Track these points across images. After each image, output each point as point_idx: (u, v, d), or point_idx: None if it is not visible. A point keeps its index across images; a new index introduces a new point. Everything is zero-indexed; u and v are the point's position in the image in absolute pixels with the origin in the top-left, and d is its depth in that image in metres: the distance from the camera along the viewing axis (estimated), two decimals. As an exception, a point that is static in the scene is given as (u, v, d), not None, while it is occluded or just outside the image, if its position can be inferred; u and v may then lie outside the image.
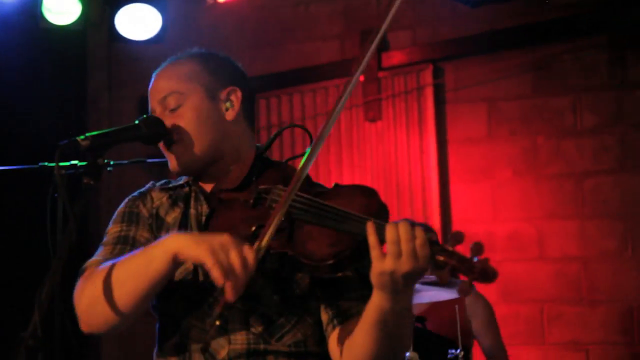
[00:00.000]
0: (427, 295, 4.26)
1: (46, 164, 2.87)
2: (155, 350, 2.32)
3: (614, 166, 5.50)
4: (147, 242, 2.26)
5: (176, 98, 2.28)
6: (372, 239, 1.88)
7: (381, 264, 1.87)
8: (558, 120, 5.65)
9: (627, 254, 5.42)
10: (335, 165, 6.02)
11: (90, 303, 2.12)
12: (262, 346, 2.16)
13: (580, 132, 5.58)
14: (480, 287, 4.53)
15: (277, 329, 2.18)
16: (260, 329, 2.17)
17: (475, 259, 1.84)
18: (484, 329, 4.71)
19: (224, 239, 1.98)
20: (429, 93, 5.88)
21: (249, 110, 2.38)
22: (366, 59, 2.08)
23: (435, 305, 4.69)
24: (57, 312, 2.02)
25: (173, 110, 2.28)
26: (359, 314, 2.08)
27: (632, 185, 5.45)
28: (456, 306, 4.45)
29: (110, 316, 2.11)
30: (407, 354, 3.90)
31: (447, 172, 5.88)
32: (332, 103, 6.01)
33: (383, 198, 2.06)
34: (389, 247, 1.86)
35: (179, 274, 2.20)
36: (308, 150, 2.05)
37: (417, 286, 4.18)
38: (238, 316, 2.18)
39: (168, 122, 2.27)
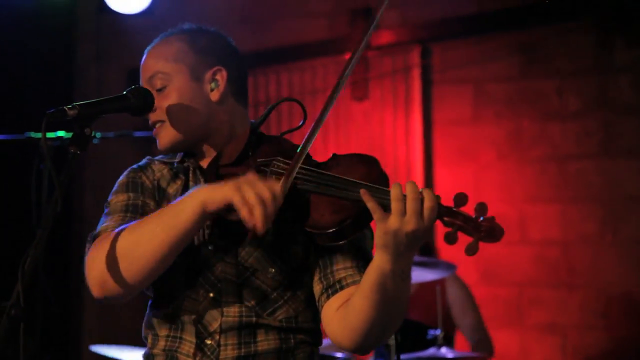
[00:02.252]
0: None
1: (32, 134, 2.86)
2: (144, 322, 2.32)
3: (597, 151, 5.51)
4: (154, 211, 2.23)
5: (162, 79, 2.30)
6: (370, 204, 1.92)
7: (385, 224, 1.91)
8: (543, 104, 5.66)
9: (608, 238, 5.45)
10: (321, 144, 6.02)
11: (108, 265, 2.08)
12: (253, 319, 2.19)
13: (564, 116, 5.59)
14: (461, 267, 4.56)
15: (270, 303, 2.21)
16: (253, 302, 2.20)
17: (481, 218, 1.86)
18: (463, 310, 4.74)
19: (248, 176, 2.03)
20: (416, 73, 5.89)
21: (240, 87, 2.39)
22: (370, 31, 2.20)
23: (416, 288, 4.73)
24: (40, 282, 2.03)
25: (159, 91, 2.30)
26: (354, 284, 2.13)
27: (614, 170, 5.46)
28: (437, 287, 4.48)
29: (131, 276, 2.08)
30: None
31: (432, 153, 5.90)
32: (320, 82, 6.01)
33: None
34: (393, 204, 1.89)
35: None
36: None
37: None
38: (232, 289, 2.20)
39: (155, 101, 2.28)
